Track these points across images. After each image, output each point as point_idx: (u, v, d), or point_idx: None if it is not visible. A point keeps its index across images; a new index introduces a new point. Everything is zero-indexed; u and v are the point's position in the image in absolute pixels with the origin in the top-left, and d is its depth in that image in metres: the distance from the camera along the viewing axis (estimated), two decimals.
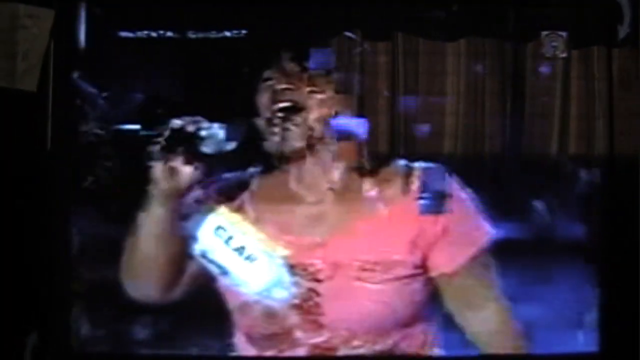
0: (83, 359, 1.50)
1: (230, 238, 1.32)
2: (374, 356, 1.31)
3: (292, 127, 1.33)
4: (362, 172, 1.39)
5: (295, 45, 1.42)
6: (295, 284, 1.29)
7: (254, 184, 1.39)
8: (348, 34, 1.46)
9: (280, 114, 1.33)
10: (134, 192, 1.48)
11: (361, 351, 1.31)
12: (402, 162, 1.42)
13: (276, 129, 1.33)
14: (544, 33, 1.53)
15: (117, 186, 1.50)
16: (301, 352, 1.31)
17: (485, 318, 1.37)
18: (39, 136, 1.50)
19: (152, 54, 1.52)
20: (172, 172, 1.29)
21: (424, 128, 1.52)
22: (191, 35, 1.52)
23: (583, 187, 1.54)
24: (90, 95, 1.52)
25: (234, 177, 1.41)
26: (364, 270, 1.30)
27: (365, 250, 1.32)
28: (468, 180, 1.49)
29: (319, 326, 1.30)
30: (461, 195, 1.40)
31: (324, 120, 1.35)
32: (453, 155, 1.52)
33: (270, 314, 1.30)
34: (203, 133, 1.31)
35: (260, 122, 1.36)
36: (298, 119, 1.33)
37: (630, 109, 1.55)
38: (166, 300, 1.38)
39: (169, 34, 1.52)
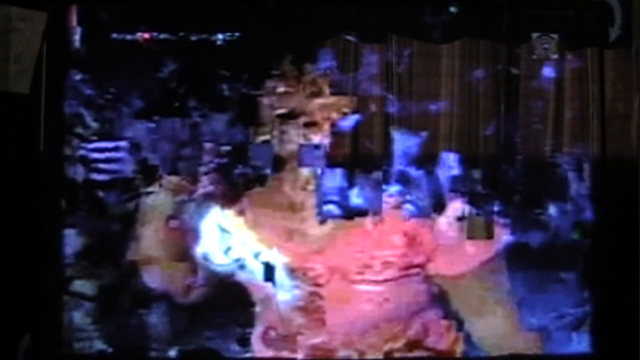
0: None
1: (229, 249, 1.32)
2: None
3: (292, 131, 1.33)
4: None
5: (294, 48, 1.42)
6: (296, 287, 1.30)
7: (254, 189, 1.38)
8: (346, 36, 1.47)
9: (280, 118, 1.33)
10: (127, 193, 1.48)
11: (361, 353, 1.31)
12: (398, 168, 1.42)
13: (277, 133, 1.33)
14: (536, 35, 1.54)
15: (109, 188, 1.49)
16: (300, 354, 1.32)
17: (491, 322, 1.38)
18: (31, 139, 1.49)
19: (145, 56, 1.52)
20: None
21: (418, 129, 1.52)
22: (185, 37, 1.52)
23: (576, 188, 1.55)
24: (83, 97, 1.52)
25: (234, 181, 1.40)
26: (363, 272, 1.30)
27: (363, 252, 1.32)
28: (463, 181, 1.50)
29: (322, 328, 1.30)
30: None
31: (324, 124, 1.35)
32: (447, 155, 1.52)
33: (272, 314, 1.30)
34: None
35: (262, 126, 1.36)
36: (298, 123, 1.33)
37: (623, 110, 1.56)
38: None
39: (162, 35, 1.52)
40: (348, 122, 1.42)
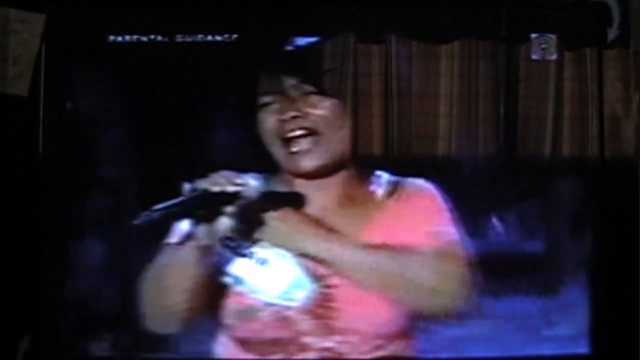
0: None
1: (239, 246, 1.31)
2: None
3: (306, 149, 1.31)
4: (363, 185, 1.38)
5: (296, 69, 1.40)
6: (309, 288, 1.29)
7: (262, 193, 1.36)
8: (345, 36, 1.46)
9: (289, 140, 1.31)
10: (127, 195, 1.48)
11: (370, 356, 1.30)
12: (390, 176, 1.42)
13: (290, 150, 1.31)
14: (534, 35, 1.54)
15: (109, 190, 1.49)
16: (311, 356, 1.30)
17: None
18: (30, 141, 1.49)
19: (143, 58, 1.52)
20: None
21: (417, 130, 1.52)
22: (181, 39, 1.52)
23: (575, 188, 1.55)
24: (82, 99, 1.52)
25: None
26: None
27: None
28: (461, 181, 1.50)
29: (331, 331, 1.29)
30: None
31: (335, 139, 1.33)
32: (446, 156, 1.53)
33: (281, 319, 1.29)
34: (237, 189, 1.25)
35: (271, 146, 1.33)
36: (310, 141, 1.32)
37: (621, 110, 1.56)
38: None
39: (160, 38, 1.52)
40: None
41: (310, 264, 1.29)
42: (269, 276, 1.28)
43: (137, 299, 1.34)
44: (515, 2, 1.55)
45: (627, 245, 1.53)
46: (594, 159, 1.54)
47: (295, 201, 1.32)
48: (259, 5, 1.51)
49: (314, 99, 1.31)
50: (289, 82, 1.32)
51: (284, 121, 1.30)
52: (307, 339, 1.29)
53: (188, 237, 1.23)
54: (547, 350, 1.50)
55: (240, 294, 1.30)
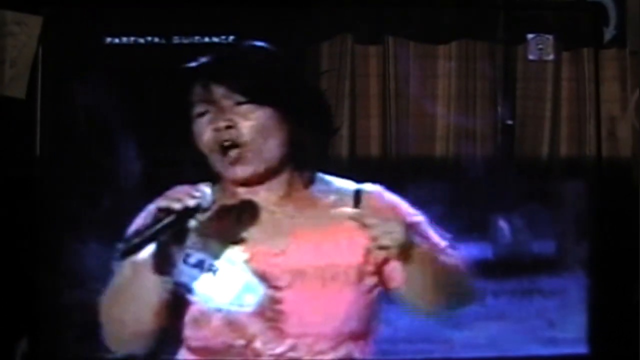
0: None
1: (187, 255, 1.31)
2: None
3: (238, 158, 1.31)
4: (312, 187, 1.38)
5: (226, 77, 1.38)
6: (258, 291, 1.28)
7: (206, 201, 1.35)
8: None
9: (225, 149, 1.32)
10: (122, 197, 1.47)
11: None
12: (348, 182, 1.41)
13: (227, 160, 1.31)
14: (531, 36, 1.55)
15: (106, 191, 1.49)
16: None
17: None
18: (27, 143, 1.48)
19: (140, 61, 1.52)
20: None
21: (414, 130, 1.53)
22: (178, 40, 1.52)
23: (572, 187, 1.55)
24: (79, 101, 1.51)
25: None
26: (322, 277, 1.30)
27: (321, 257, 1.31)
28: (457, 182, 1.50)
29: (282, 335, 1.29)
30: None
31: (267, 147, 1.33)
32: (444, 156, 1.53)
33: (231, 324, 1.28)
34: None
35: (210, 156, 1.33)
36: (241, 152, 1.32)
37: (618, 110, 1.57)
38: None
39: (157, 40, 1.52)
40: None
41: (259, 267, 1.29)
42: (220, 283, 1.28)
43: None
44: (512, 3, 1.56)
45: (626, 244, 1.54)
46: (591, 158, 1.55)
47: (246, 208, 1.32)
48: (258, 6, 1.51)
49: (244, 108, 1.32)
50: (220, 91, 1.32)
51: (218, 130, 1.30)
52: (258, 344, 1.29)
53: (153, 256, 1.23)
54: (547, 351, 1.50)
55: (194, 303, 1.29)
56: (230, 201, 1.31)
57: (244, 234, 1.28)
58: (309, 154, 1.31)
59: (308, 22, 1.51)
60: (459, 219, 1.45)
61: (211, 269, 1.28)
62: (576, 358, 1.51)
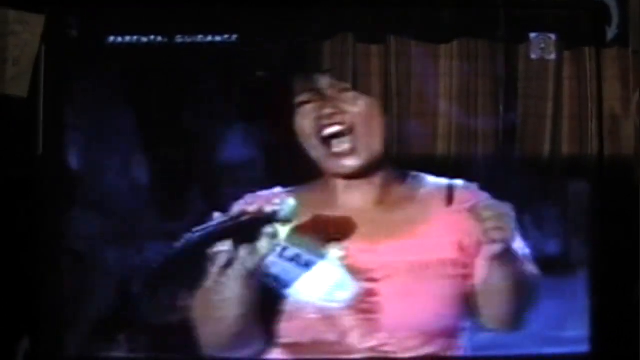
0: None
1: (284, 249, 1.29)
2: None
3: (347, 149, 1.30)
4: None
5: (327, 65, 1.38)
6: (350, 288, 1.27)
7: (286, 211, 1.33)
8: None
9: (330, 138, 1.30)
10: (126, 197, 1.48)
11: (416, 354, 1.28)
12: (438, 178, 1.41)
13: (331, 151, 1.29)
14: (533, 35, 1.54)
15: (109, 192, 1.49)
16: (356, 357, 1.28)
17: None
18: (30, 142, 1.49)
19: (143, 60, 1.52)
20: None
21: (416, 129, 1.52)
22: (181, 40, 1.52)
23: (574, 187, 1.55)
24: (81, 100, 1.52)
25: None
26: (417, 272, 1.28)
27: (416, 252, 1.30)
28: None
29: (376, 327, 1.28)
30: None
31: (373, 138, 1.32)
32: (446, 155, 1.53)
33: (324, 318, 1.27)
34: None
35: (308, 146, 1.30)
36: (350, 140, 1.30)
37: (620, 110, 1.56)
38: None
39: (160, 39, 1.52)
40: None
41: (355, 263, 1.27)
42: (314, 278, 1.27)
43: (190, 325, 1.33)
44: (514, 1, 1.55)
45: (627, 244, 1.53)
46: (593, 158, 1.54)
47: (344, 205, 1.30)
48: (259, 5, 1.51)
49: (350, 95, 1.30)
50: (323, 80, 1.31)
51: (321, 118, 1.28)
52: (352, 337, 1.27)
53: (230, 261, 1.21)
54: (546, 350, 1.50)
55: (286, 297, 1.28)
56: (327, 198, 1.30)
57: (341, 230, 1.28)
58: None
59: (309, 22, 1.51)
60: None
61: (306, 264, 1.28)
62: (576, 357, 1.51)
